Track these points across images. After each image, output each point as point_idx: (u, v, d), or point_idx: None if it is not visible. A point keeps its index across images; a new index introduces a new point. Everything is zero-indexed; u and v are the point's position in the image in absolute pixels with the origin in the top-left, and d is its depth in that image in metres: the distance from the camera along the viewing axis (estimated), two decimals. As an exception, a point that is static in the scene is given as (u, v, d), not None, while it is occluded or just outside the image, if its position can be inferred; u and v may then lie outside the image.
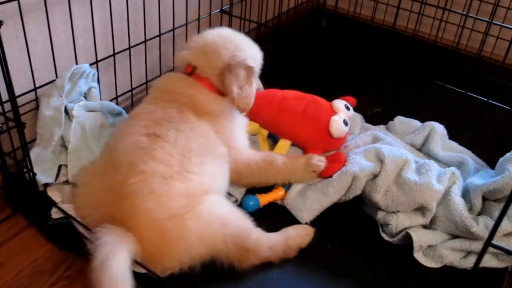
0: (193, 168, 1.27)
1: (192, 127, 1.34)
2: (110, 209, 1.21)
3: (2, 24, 1.10)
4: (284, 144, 1.64)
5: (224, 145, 1.40)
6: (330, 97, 1.69)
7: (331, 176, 1.47)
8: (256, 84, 1.45)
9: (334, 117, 1.58)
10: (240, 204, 1.47)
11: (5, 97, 1.24)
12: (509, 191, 1.33)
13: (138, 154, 1.23)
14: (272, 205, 1.51)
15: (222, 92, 1.41)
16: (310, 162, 1.49)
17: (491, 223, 1.34)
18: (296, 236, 1.36)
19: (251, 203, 1.47)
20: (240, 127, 1.50)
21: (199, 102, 1.38)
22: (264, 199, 1.49)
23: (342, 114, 1.60)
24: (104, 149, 1.38)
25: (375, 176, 1.44)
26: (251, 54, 1.46)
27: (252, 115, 1.60)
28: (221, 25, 2.05)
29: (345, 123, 1.58)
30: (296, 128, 1.61)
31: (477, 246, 1.35)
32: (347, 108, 1.64)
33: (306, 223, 1.45)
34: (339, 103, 1.64)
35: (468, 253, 1.36)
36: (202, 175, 1.29)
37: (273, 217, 1.47)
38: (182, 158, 1.26)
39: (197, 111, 1.38)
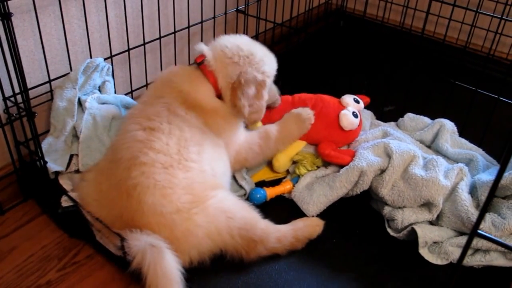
0: (191, 156, 1.29)
1: (183, 119, 1.33)
2: (117, 207, 1.24)
3: (11, 16, 1.13)
4: (297, 144, 1.62)
5: (219, 138, 1.40)
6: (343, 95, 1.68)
7: (339, 171, 1.47)
8: (267, 95, 1.43)
9: (343, 111, 1.58)
10: (248, 198, 1.49)
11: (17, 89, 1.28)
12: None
13: (137, 147, 1.26)
14: (280, 199, 1.52)
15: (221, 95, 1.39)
16: (299, 113, 1.55)
17: (498, 220, 1.32)
18: (306, 226, 1.37)
19: (258, 196, 1.48)
20: (239, 130, 1.48)
21: (197, 97, 1.37)
22: (271, 192, 1.51)
23: (351, 107, 1.60)
24: (107, 150, 1.41)
25: (382, 171, 1.44)
26: (265, 66, 1.42)
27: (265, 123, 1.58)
28: (236, 24, 2.08)
29: (355, 115, 1.58)
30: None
31: (484, 243, 1.33)
32: (357, 102, 1.64)
33: (313, 216, 1.45)
34: (348, 98, 1.64)
35: (476, 250, 1.35)
36: (201, 163, 1.31)
37: (281, 211, 1.48)
38: (179, 147, 1.28)
39: (188, 103, 1.35)
